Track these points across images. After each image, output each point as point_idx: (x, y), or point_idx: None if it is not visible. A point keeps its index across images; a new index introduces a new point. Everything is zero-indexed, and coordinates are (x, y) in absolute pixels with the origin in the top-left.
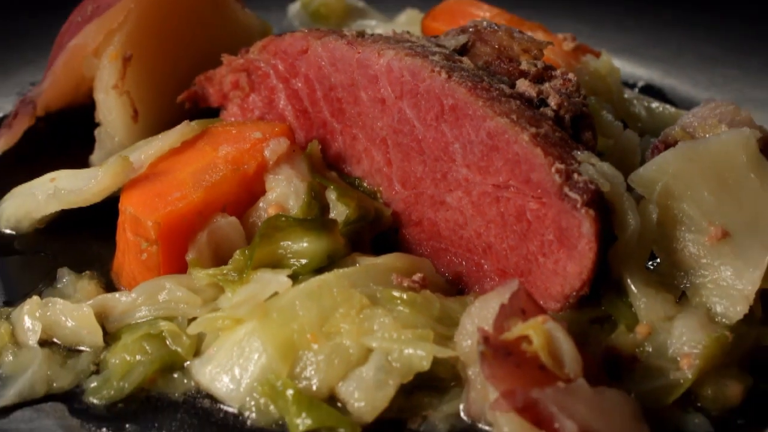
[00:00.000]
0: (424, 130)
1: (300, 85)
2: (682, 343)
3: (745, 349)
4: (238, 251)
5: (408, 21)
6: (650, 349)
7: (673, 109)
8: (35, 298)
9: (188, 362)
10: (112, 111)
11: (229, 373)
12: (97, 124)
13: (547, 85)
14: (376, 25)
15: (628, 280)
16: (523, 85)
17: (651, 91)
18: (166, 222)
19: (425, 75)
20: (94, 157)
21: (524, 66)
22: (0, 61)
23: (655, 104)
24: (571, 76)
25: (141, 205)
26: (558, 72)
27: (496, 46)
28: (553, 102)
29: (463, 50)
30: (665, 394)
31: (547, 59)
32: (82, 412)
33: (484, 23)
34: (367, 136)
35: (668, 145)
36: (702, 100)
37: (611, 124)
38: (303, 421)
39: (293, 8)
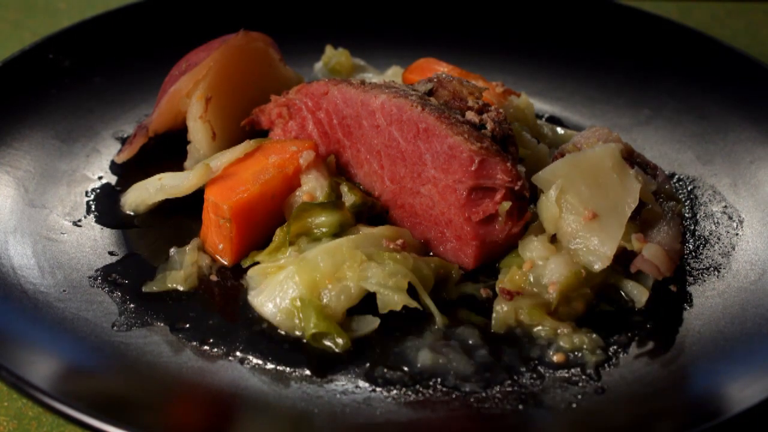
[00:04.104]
0: (406, 145)
1: (322, 115)
2: (552, 275)
3: (597, 281)
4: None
5: (393, 74)
6: (531, 279)
7: (568, 131)
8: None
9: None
10: (198, 133)
11: (273, 301)
12: (189, 142)
13: (485, 115)
14: (372, 77)
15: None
16: (470, 116)
17: (553, 120)
18: (235, 206)
19: (407, 109)
20: (186, 164)
21: (470, 103)
22: (126, 100)
23: (557, 128)
24: (501, 109)
25: (219, 195)
26: (493, 107)
27: (452, 90)
28: (489, 126)
29: (430, 93)
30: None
31: (485, 99)
32: (180, 330)
33: (444, 75)
34: (367, 150)
35: (563, 155)
36: (587, 126)
37: (529, 141)
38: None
39: (317, 65)
